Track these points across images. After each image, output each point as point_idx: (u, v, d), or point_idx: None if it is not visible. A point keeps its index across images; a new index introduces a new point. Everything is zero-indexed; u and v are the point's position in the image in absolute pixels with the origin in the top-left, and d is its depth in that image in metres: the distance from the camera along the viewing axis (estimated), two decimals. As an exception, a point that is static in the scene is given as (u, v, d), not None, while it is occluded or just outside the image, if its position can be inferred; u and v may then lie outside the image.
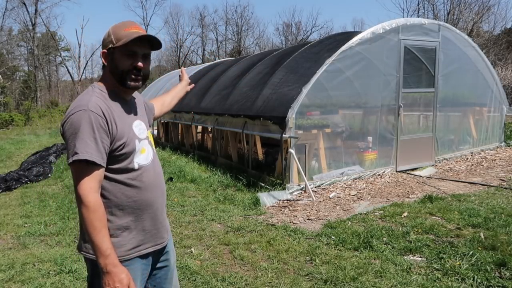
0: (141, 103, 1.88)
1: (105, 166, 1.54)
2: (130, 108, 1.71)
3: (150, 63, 1.75)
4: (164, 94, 2.27)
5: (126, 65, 1.62)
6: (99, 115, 1.52)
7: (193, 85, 2.41)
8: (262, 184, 5.99)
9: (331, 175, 6.16)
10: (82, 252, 1.63)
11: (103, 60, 1.67)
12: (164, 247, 1.80)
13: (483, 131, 8.32)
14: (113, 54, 1.63)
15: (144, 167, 1.66)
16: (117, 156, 1.58)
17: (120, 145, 1.58)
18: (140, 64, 1.63)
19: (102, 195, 1.57)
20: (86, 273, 1.72)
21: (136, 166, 1.63)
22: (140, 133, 1.68)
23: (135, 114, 1.73)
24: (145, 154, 1.68)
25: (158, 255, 1.79)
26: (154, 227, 1.72)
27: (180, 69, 2.44)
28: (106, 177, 1.57)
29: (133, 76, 1.63)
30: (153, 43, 1.68)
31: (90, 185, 1.49)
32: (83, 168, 1.49)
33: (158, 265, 1.81)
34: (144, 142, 1.69)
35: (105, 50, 1.66)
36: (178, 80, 2.37)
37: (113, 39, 1.62)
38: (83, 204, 1.47)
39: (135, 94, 1.87)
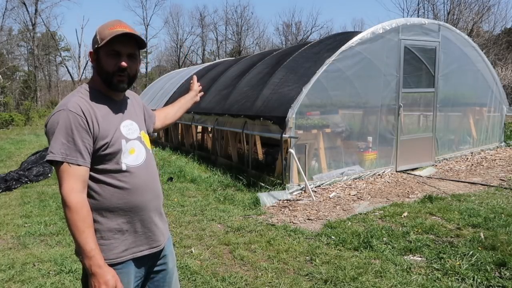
0: (138, 104, 1.85)
1: (87, 165, 1.52)
2: (119, 108, 1.67)
3: (139, 63, 1.72)
4: (170, 106, 2.21)
5: (111, 65, 1.58)
6: (78, 114, 1.50)
7: (202, 93, 2.32)
8: (262, 184, 5.99)
9: (331, 175, 6.16)
10: (79, 256, 1.60)
11: (91, 61, 1.65)
12: (161, 251, 1.75)
13: (483, 131, 8.32)
14: (99, 55, 1.60)
15: (134, 168, 1.62)
16: (102, 157, 1.55)
17: (104, 145, 1.54)
18: (123, 63, 1.58)
19: (91, 197, 1.55)
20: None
21: (124, 167, 1.59)
22: (129, 133, 1.64)
23: (125, 113, 1.68)
24: (134, 155, 1.63)
25: (154, 259, 1.74)
26: (149, 229, 1.67)
27: (192, 76, 2.33)
28: (93, 178, 1.55)
29: (118, 78, 1.60)
30: (139, 42, 1.64)
31: (72, 186, 1.47)
32: (62, 168, 1.47)
33: (156, 268, 1.77)
34: (134, 142, 1.65)
35: (91, 51, 1.63)
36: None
37: (98, 39, 1.58)
38: (65, 205, 1.46)
39: (132, 94, 1.85)
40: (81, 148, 1.49)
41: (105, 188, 1.57)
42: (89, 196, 1.55)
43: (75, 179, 1.48)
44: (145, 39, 1.67)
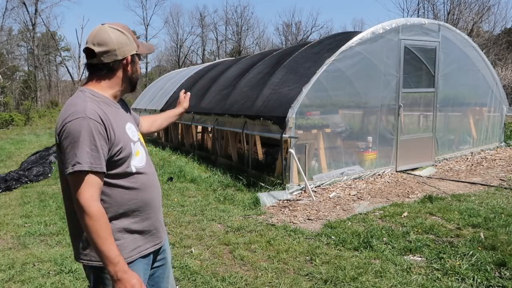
0: (127, 106, 1.86)
1: (105, 172, 1.52)
2: (120, 111, 1.68)
3: None
4: (157, 115, 2.24)
5: (139, 70, 1.72)
6: (98, 122, 1.49)
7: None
8: (262, 184, 5.99)
9: (331, 175, 6.16)
10: (82, 261, 1.60)
11: (129, 67, 1.65)
12: (161, 247, 1.81)
13: (483, 131, 8.32)
14: (135, 59, 1.67)
15: (141, 169, 1.65)
16: (115, 161, 1.56)
17: (118, 150, 1.55)
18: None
19: (102, 200, 1.54)
20: (88, 281, 1.69)
21: (133, 170, 1.61)
22: (133, 136, 1.66)
23: (125, 117, 1.70)
24: (140, 156, 1.66)
25: (156, 254, 1.79)
26: (154, 226, 1.71)
27: (182, 92, 2.32)
28: (105, 183, 1.55)
29: None
30: None
31: (91, 194, 1.46)
32: (84, 177, 1.46)
33: (156, 264, 1.81)
34: (137, 144, 1.67)
35: (129, 56, 1.63)
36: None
37: (136, 45, 1.64)
38: (86, 214, 1.44)
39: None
40: (102, 156, 1.49)
41: (117, 190, 1.58)
42: (100, 199, 1.54)
43: (95, 188, 1.48)
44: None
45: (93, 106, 1.53)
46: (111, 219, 1.57)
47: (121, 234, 1.59)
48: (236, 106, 7.26)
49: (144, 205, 1.65)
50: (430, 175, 6.71)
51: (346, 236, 4.01)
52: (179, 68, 33.64)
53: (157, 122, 2.17)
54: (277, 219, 4.74)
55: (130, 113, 1.88)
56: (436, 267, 3.30)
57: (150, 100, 13.36)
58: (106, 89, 1.63)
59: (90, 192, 1.46)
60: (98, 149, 1.48)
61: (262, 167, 6.90)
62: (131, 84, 1.69)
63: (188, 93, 2.34)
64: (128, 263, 1.59)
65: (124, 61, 1.62)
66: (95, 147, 1.47)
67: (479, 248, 3.56)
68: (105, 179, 1.55)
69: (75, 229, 1.60)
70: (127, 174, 1.60)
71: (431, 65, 7.09)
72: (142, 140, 1.77)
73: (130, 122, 1.71)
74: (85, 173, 1.46)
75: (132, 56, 1.63)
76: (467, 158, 7.70)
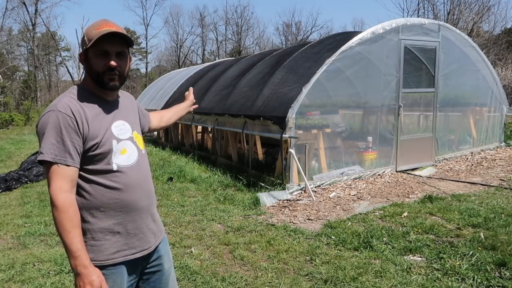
0: (131, 104, 1.85)
1: (77, 165, 1.52)
2: (111, 108, 1.67)
3: (130, 61, 1.71)
4: (165, 110, 2.25)
5: (100, 65, 1.58)
6: (67, 115, 1.50)
7: (196, 106, 2.41)
8: (262, 184, 5.99)
9: (331, 175, 6.16)
10: None
11: (80, 62, 1.66)
12: (153, 252, 1.75)
13: (483, 131, 8.32)
14: (88, 55, 1.60)
15: (125, 168, 1.62)
16: (92, 157, 1.55)
17: (94, 145, 1.55)
18: (112, 63, 1.58)
19: (82, 196, 1.55)
20: None
21: (114, 168, 1.59)
22: (121, 134, 1.64)
23: (117, 114, 1.68)
24: (126, 155, 1.63)
25: (147, 259, 1.74)
26: (140, 231, 1.66)
27: (189, 88, 2.43)
28: (84, 178, 1.55)
29: (109, 77, 1.60)
30: (127, 40, 1.63)
31: (59, 185, 1.47)
32: (51, 168, 1.48)
33: (151, 269, 1.77)
34: (126, 143, 1.65)
35: (81, 52, 1.64)
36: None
37: (86, 40, 1.58)
38: (53, 204, 1.47)
39: (126, 94, 1.85)
40: (70, 148, 1.50)
41: (96, 187, 1.57)
42: (80, 195, 1.55)
43: (64, 179, 1.49)
44: (131, 37, 1.67)
45: (68, 100, 1.55)
46: (91, 217, 1.56)
47: (102, 234, 1.57)
48: (236, 106, 7.26)
49: (127, 206, 1.61)
50: (430, 175, 6.71)
51: (346, 236, 4.01)
52: (179, 68, 33.65)
53: (165, 117, 2.20)
54: (277, 219, 4.74)
55: (139, 112, 1.89)
56: (436, 267, 3.30)
57: (150, 100, 13.37)
58: (89, 84, 1.65)
59: (58, 183, 1.48)
60: (65, 142, 1.49)
61: (262, 167, 6.90)
62: (93, 79, 1.62)
63: (191, 88, 2.41)
64: (109, 265, 1.58)
65: (80, 59, 1.67)
66: (61, 139, 1.49)
67: (479, 248, 3.56)
68: (84, 174, 1.55)
69: None
70: (107, 172, 1.58)
71: (431, 65, 7.09)
72: (138, 140, 1.73)
73: (124, 120, 1.69)
74: (51, 164, 1.48)
75: (85, 51, 1.60)
76: (467, 158, 7.70)
